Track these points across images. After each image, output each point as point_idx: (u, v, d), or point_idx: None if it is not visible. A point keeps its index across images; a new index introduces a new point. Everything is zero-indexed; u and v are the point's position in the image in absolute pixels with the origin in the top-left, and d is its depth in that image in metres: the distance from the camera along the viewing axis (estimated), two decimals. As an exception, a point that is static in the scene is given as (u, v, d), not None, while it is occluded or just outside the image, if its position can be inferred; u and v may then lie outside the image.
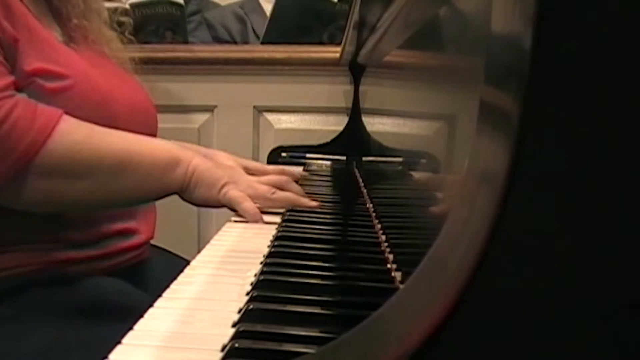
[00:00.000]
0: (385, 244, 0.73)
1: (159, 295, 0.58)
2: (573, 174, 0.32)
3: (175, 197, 0.92)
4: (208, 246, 0.78)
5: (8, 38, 0.86)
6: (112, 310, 0.88)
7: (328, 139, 1.51)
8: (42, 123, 0.83)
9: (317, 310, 0.54)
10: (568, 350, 0.33)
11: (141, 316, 0.53)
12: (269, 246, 0.75)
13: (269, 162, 1.45)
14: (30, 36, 0.88)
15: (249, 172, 1.00)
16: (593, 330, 0.33)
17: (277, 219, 0.90)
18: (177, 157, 0.90)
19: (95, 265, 0.95)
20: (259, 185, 0.93)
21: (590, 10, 0.31)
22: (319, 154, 1.49)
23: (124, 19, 1.17)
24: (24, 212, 0.87)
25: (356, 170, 1.37)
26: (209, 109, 1.66)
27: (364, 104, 1.45)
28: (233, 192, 0.90)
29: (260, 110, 1.66)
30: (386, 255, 0.70)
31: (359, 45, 1.37)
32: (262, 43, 1.94)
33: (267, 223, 0.89)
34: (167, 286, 0.61)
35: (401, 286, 0.50)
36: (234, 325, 0.51)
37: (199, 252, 0.75)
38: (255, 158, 1.60)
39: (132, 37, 1.17)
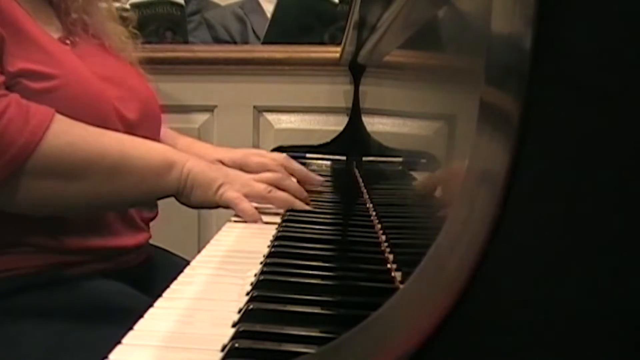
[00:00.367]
0: (385, 244, 0.73)
1: (159, 296, 0.58)
2: (573, 174, 0.32)
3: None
4: (208, 246, 0.78)
5: None
6: (112, 311, 0.87)
7: (328, 139, 1.50)
8: (35, 124, 0.81)
9: (317, 310, 0.54)
10: (568, 351, 0.33)
11: (141, 316, 0.53)
12: (268, 246, 0.75)
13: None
14: (18, 34, 0.86)
15: (251, 169, 1.00)
16: (593, 330, 0.33)
17: (277, 219, 0.90)
18: (171, 160, 0.90)
19: (95, 267, 0.94)
20: (255, 183, 0.93)
21: (590, 10, 0.31)
22: (319, 154, 1.48)
23: (126, 14, 1.17)
24: (22, 214, 0.86)
25: (356, 170, 1.37)
26: (209, 109, 1.65)
27: (364, 104, 1.45)
28: (229, 194, 0.89)
29: (260, 110, 1.65)
30: (386, 255, 0.70)
31: (359, 45, 1.37)
32: (263, 43, 1.94)
33: (266, 223, 0.89)
34: (167, 286, 0.61)
35: (401, 286, 0.49)
36: (234, 325, 0.51)
37: (199, 252, 0.75)
38: (256, 158, 1.60)
39: (136, 32, 1.15)
